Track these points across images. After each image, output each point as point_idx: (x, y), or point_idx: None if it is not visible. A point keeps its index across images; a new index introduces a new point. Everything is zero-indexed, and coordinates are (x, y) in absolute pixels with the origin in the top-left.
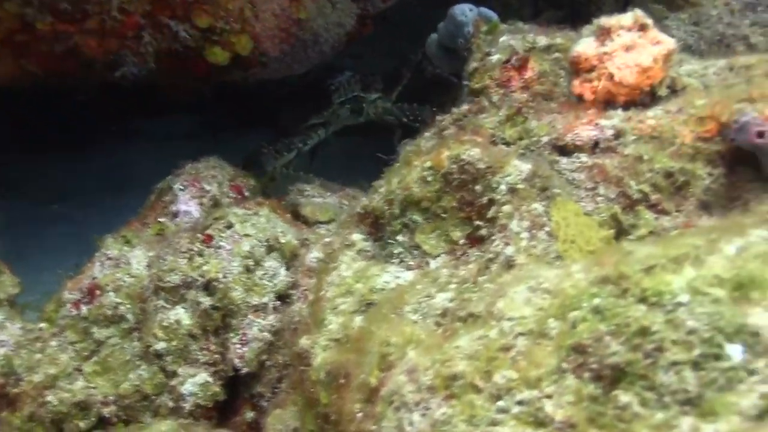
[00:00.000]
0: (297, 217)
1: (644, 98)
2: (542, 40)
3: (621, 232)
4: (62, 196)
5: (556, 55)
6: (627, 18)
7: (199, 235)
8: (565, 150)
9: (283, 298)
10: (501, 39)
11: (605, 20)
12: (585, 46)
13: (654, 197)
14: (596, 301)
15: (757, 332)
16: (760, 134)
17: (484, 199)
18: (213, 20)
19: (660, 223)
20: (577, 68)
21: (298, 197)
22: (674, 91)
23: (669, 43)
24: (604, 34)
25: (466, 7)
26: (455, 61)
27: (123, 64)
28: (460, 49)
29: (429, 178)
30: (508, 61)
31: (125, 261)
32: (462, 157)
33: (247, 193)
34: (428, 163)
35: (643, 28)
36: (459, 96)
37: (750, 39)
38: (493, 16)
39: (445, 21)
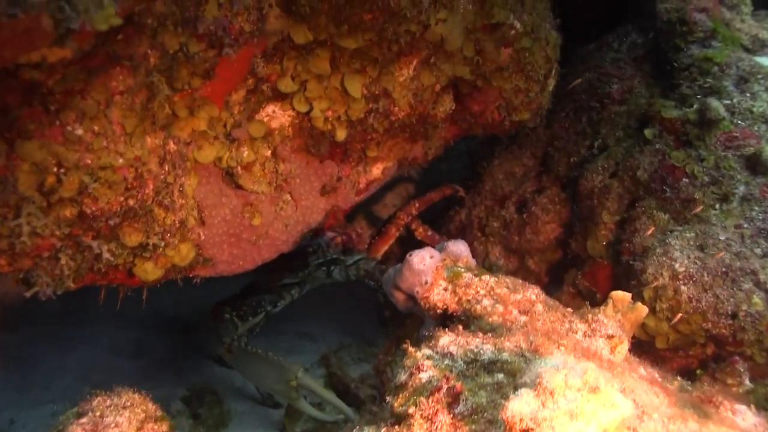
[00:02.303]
0: None
1: None
2: (487, 351)
3: None
4: None
5: (499, 377)
6: (575, 378)
7: None
8: None
9: None
10: (441, 340)
11: (549, 377)
12: (521, 404)
13: None
14: None
15: None
16: None
17: None
18: (145, 237)
19: None
20: (511, 427)
21: None
22: None
23: (624, 408)
24: (546, 393)
25: (426, 254)
26: (414, 307)
27: (36, 283)
28: (418, 299)
29: None
30: (438, 389)
31: None
32: None
33: None
34: None
35: (594, 390)
36: None
37: (759, 275)
38: (462, 254)
39: (402, 264)
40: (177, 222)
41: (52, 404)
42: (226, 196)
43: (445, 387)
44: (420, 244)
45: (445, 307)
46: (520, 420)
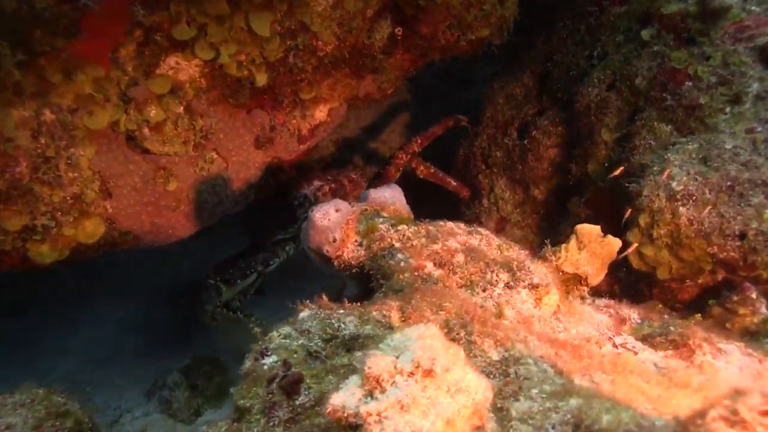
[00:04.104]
0: None
1: None
2: (350, 325)
3: None
4: None
5: (357, 356)
6: (405, 361)
7: None
8: None
9: None
10: (300, 315)
11: (374, 362)
12: (345, 395)
13: None
14: None
15: None
16: None
17: None
18: (30, 219)
19: None
20: (338, 423)
21: None
22: None
23: (477, 391)
24: (372, 381)
25: (330, 208)
26: (331, 268)
27: None
28: (331, 259)
29: None
30: (273, 379)
31: None
32: None
33: None
34: None
35: (428, 373)
36: None
37: None
38: (386, 201)
39: (306, 223)
40: (69, 198)
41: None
42: (133, 162)
43: (280, 374)
44: (425, 184)
45: (360, 265)
46: (346, 415)
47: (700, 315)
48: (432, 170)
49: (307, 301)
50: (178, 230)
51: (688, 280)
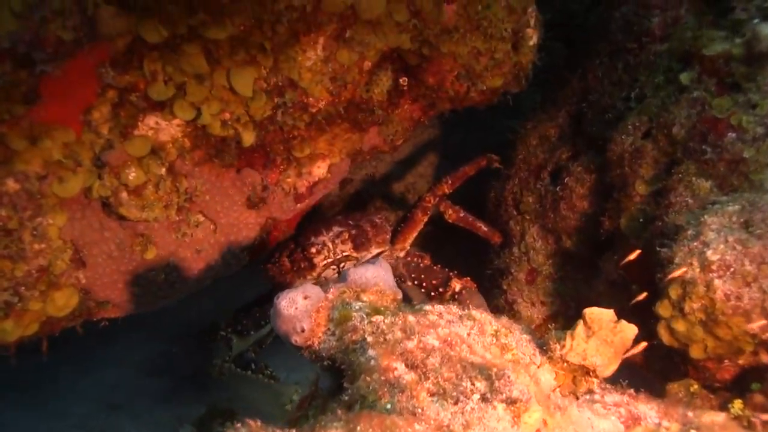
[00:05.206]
0: None
1: None
2: None
3: None
4: None
5: None
6: None
7: None
8: None
9: None
10: None
11: None
12: None
13: None
14: None
15: None
16: None
17: None
18: None
19: None
20: None
21: None
22: None
23: None
24: None
25: (298, 295)
26: (302, 356)
27: None
28: (301, 349)
29: None
30: None
31: None
32: None
33: None
34: None
35: None
36: None
37: None
38: (369, 282)
39: (273, 308)
40: (34, 271)
41: None
42: (108, 229)
43: None
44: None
45: (331, 356)
46: None
47: (741, 402)
48: (462, 214)
49: (239, 425)
50: (161, 299)
51: (726, 360)
